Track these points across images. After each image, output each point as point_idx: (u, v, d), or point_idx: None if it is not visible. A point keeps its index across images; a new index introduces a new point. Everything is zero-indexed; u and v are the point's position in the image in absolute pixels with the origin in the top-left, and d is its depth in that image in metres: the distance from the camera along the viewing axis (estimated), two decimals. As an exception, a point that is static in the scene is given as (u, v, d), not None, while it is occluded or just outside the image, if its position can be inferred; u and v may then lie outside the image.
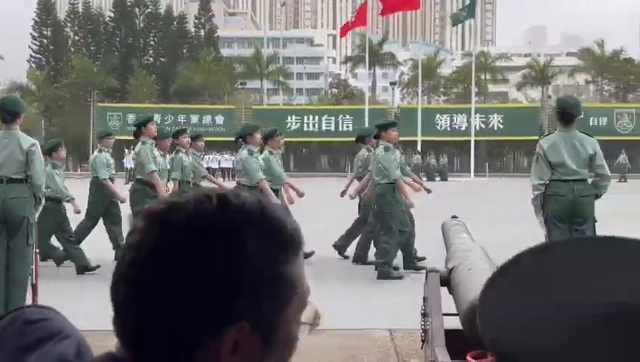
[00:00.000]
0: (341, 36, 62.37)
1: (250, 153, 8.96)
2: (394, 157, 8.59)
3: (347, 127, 52.30)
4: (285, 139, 12.86)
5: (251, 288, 0.79)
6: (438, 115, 55.40)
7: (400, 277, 8.32)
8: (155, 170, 8.54)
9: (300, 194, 9.54)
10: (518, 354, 1.27)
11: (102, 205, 9.56)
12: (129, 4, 67.26)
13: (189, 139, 10.19)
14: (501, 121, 54.55)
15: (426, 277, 3.86)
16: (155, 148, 8.86)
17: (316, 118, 55.15)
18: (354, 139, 11.11)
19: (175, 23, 69.09)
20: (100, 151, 9.91)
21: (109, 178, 9.69)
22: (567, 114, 6.25)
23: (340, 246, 10.01)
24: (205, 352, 0.78)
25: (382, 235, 8.53)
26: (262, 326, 0.80)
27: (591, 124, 53.92)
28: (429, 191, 9.81)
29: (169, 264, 0.78)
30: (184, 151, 10.01)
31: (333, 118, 54.88)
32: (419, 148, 46.70)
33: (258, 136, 9.23)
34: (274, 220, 0.82)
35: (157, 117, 41.62)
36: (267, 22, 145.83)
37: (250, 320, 0.79)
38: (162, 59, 66.12)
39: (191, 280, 0.77)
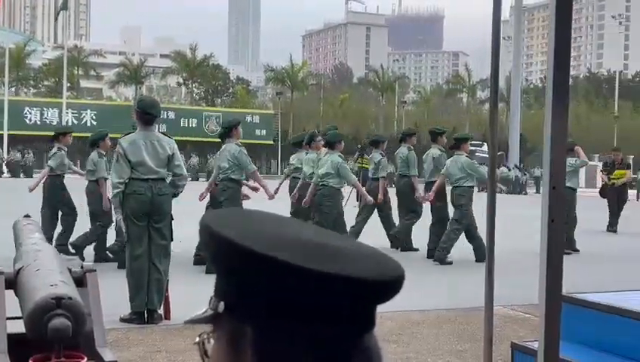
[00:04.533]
0: None
1: (239, 146, 9.15)
2: None
3: None
4: None
5: None
6: (27, 108, 52.72)
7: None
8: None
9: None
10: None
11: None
12: None
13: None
14: (94, 117, 53.91)
15: (-10, 279, 3.63)
16: None
17: None
18: None
19: None
20: None
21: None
22: (147, 114, 6.40)
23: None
24: None
25: None
26: None
27: (182, 125, 56.13)
28: None
29: None
30: None
31: None
32: (5, 143, 43.78)
33: (241, 131, 9.47)
34: None
35: None
36: None
37: None
38: None
39: None
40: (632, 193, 31.24)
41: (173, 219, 6.50)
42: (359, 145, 18.79)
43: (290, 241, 0.73)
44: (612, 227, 15.99)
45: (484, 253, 9.87)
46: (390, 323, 6.18)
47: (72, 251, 9.31)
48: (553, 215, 2.22)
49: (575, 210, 12.23)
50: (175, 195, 6.57)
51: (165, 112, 56.42)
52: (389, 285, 0.74)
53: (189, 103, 67.51)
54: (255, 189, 9.70)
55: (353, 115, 70.76)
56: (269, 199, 9.80)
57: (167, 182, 6.49)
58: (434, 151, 11.51)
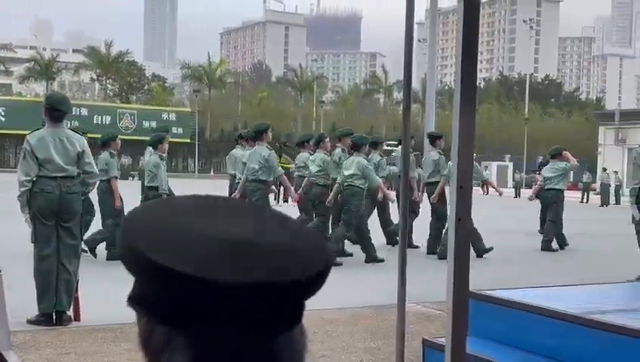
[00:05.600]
0: None
1: (270, 150, 10.09)
2: None
3: None
4: None
5: None
6: None
7: None
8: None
9: None
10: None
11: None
12: None
13: None
14: (3, 113, 52.14)
15: None
16: None
17: None
18: None
19: None
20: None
21: None
22: (56, 110, 6.21)
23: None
24: None
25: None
26: None
27: (95, 121, 54.82)
28: None
29: None
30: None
31: None
32: None
33: (270, 135, 10.43)
34: None
35: None
36: None
37: None
38: None
39: None
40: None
41: (83, 218, 6.34)
42: (278, 145, 18.81)
43: (193, 245, 0.73)
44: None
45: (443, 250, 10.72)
46: (304, 322, 6.19)
47: (85, 249, 8.95)
48: (460, 214, 2.26)
49: (562, 211, 12.90)
50: (85, 193, 6.40)
51: (78, 109, 55.00)
52: (281, 288, 0.72)
53: (102, 100, 66.00)
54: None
55: (271, 114, 70.59)
56: (294, 201, 10.97)
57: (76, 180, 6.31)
58: (433, 153, 12.16)
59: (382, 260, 10.42)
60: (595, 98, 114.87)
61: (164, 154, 10.14)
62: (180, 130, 58.31)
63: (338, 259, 10.10)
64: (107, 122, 55.25)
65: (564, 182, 12.97)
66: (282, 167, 17.03)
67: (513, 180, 47.56)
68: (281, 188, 13.78)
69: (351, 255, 10.84)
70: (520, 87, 78.73)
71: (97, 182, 9.54)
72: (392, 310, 5.60)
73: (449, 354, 2.25)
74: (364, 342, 5.83)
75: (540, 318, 3.88)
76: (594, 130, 53.75)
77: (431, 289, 7.24)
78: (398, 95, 76.06)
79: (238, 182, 11.14)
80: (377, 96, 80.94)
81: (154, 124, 56.63)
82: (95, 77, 69.46)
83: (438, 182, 11.76)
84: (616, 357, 3.47)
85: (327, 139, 11.89)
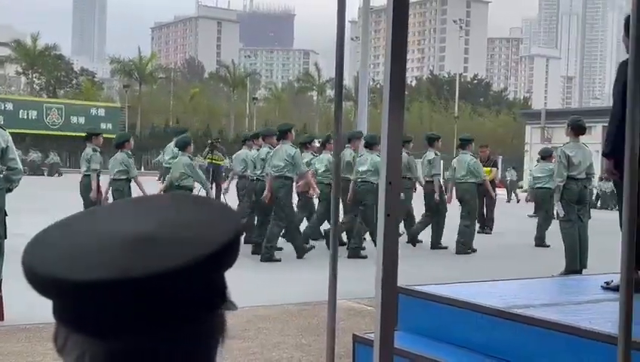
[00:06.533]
0: None
1: (295, 148, 10.78)
2: None
3: None
4: None
5: None
6: None
7: None
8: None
9: None
10: None
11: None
12: None
13: None
14: None
15: None
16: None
17: None
18: None
19: None
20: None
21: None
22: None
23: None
24: None
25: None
26: None
27: (21, 116, 53.32)
28: None
29: None
30: None
31: None
32: None
33: (293, 134, 11.18)
34: None
35: None
36: None
37: None
38: None
39: None
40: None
41: (7, 215, 6.16)
42: (210, 141, 18.65)
43: (71, 249, 0.74)
44: (482, 229, 15.34)
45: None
46: (236, 319, 6.17)
47: None
48: (389, 209, 2.29)
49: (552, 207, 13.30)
50: (9, 190, 6.22)
51: (2, 103, 53.46)
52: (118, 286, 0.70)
53: (29, 94, 64.20)
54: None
55: (204, 110, 70.03)
56: (316, 197, 11.75)
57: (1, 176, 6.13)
58: (430, 154, 12.98)
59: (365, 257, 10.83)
60: (522, 98, 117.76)
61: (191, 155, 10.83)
62: (109, 126, 57.19)
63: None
64: (33, 117, 53.84)
65: (552, 181, 13.51)
66: (214, 163, 16.88)
67: (444, 178, 48.32)
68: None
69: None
70: (450, 86, 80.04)
71: (113, 181, 10.61)
72: (323, 306, 5.63)
73: (377, 349, 2.27)
74: (295, 338, 5.84)
75: (467, 313, 3.96)
76: (521, 129, 55.06)
77: (365, 285, 7.30)
78: (331, 93, 76.37)
79: (256, 180, 11.23)
80: (311, 93, 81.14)
81: (82, 119, 55.51)
82: (21, 70, 67.53)
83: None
84: (540, 349, 3.57)
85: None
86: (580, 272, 8.98)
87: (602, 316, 3.79)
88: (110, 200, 10.75)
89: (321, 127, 62.93)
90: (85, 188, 10.78)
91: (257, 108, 70.82)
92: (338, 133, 4.52)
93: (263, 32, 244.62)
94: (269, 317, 6.57)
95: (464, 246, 11.98)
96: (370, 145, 11.71)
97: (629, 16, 3.04)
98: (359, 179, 11.36)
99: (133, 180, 10.75)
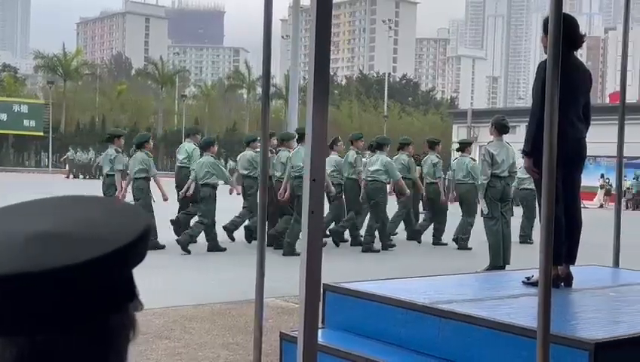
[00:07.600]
0: None
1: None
2: None
3: None
4: None
5: None
6: None
7: None
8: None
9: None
10: None
11: None
12: None
13: None
14: None
15: None
16: None
17: None
18: None
19: None
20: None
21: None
22: None
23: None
24: None
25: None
26: None
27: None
28: None
29: None
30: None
31: None
32: None
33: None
34: None
35: None
36: None
37: None
38: None
39: None
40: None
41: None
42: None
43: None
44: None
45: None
46: (162, 319, 6.10)
47: None
48: (313, 206, 2.29)
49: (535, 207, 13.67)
50: None
51: None
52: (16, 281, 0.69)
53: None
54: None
55: (131, 108, 68.84)
56: (332, 195, 12.01)
57: None
58: (432, 157, 13.65)
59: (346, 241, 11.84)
60: (449, 97, 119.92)
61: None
62: (33, 123, 55.78)
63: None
64: None
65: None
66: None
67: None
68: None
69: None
70: (379, 86, 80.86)
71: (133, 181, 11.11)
72: (251, 305, 5.60)
73: (301, 346, 2.28)
74: (222, 337, 5.80)
75: (392, 309, 4.01)
76: (448, 128, 56.06)
77: (294, 283, 7.31)
78: (261, 90, 76.09)
79: (281, 181, 11.50)
80: (241, 91, 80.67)
81: (4, 116, 53.91)
82: None
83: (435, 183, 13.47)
84: (462, 344, 3.64)
85: (341, 142, 13.17)
86: (503, 268, 9.20)
87: (522, 310, 3.89)
88: (129, 198, 10.92)
89: (252, 125, 62.69)
90: (108, 187, 11.37)
91: (186, 106, 70.02)
92: (265, 131, 4.51)
93: (192, 28, 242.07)
94: (195, 316, 6.50)
95: (465, 243, 12.65)
96: (380, 145, 12.53)
97: (548, 17, 3.12)
98: (370, 178, 12.07)
99: (152, 179, 11.28)
